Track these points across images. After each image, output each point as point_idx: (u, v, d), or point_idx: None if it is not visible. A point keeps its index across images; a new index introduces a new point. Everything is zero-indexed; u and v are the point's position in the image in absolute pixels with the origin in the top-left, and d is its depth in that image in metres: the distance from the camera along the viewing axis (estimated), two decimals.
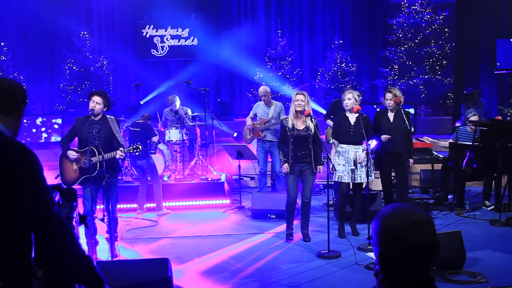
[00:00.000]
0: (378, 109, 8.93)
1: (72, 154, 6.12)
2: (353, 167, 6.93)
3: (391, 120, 7.31)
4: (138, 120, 9.03)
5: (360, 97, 7.26)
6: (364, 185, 7.36)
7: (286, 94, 14.42)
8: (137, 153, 6.41)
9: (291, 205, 6.92)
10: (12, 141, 2.34)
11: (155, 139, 8.77)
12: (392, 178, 7.56)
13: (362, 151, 6.94)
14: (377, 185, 8.83)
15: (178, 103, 9.91)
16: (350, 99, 7.06)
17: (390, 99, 7.21)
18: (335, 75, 15.49)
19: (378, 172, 7.70)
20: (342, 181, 7.00)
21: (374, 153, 7.41)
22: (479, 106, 10.91)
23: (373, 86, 16.69)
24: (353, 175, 6.95)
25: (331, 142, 7.37)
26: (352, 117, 7.07)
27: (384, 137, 7.22)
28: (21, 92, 2.49)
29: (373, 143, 7.38)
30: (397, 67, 15.64)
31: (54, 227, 2.32)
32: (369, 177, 6.95)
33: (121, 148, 6.10)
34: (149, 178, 8.81)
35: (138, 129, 8.73)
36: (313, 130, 6.78)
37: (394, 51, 15.66)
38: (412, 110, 10.02)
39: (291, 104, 6.90)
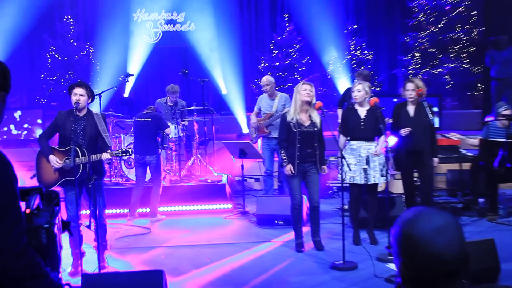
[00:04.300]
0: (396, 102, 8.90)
1: (55, 161, 6.08)
2: (366, 167, 6.94)
3: (411, 113, 7.29)
4: (145, 110, 9.03)
5: (371, 88, 7.25)
6: (383, 187, 7.35)
7: (294, 85, 14.39)
8: (125, 157, 6.41)
9: (297, 209, 6.93)
10: None
11: (168, 131, 8.81)
12: (415, 179, 7.55)
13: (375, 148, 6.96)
14: (397, 187, 8.81)
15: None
16: (360, 91, 7.06)
17: (412, 90, 7.19)
18: (349, 63, 15.46)
19: (399, 173, 7.68)
20: (354, 182, 7.00)
21: (394, 152, 7.39)
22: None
23: (392, 76, 16.63)
24: (366, 176, 6.96)
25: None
26: (362, 110, 7.08)
27: (403, 130, 7.19)
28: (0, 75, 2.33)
29: (392, 140, 7.37)
30: (418, 54, 15.58)
31: (16, 261, 2.17)
32: (384, 178, 6.96)
33: (109, 151, 6.10)
34: (147, 179, 8.83)
35: (149, 119, 8.73)
36: (319, 126, 6.80)
37: (415, 37, 15.60)
38: (435, 108, 9.98)
39: (294, 96, 6.89)
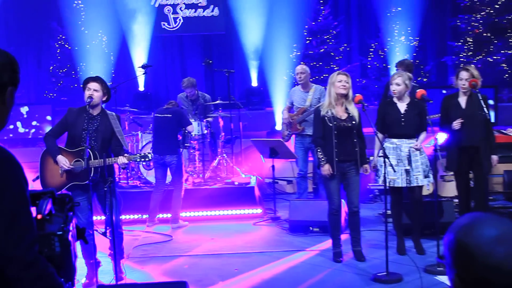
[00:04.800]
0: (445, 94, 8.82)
1: (64, 162, 6.13)
2: (408, 167, 6.91)
3: (463, 106, 7.23)
4: (166, 105, 9.09)
5: (414, 80, 7.19)
6: (431, 190, 7.29)
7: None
8: (143, 162, 6.43)
9: (336, 214, 6.92)
10: None
11: (190, 128, 8.87)
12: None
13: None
14: (447, 190, 8.74)
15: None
16: (399, 84, 7.02)
17: (466, 79, 7.11)
18: (392, 51, 15.32)
19: (450, 173, 7.62)
20: (395, 185, 6.98)
21: (445, 149, 7.33)
22: None
23: (441, 65, 16.45)
24: (408, 177, 6.93)
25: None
26: (401, 104, 7.05)
27: (456, 122, 7.14)
28: (7, 67, 2.37)
29: (441, 136, 7.31)
30: (471, 40, 15.40)
31: (28, 271, 2.23)
32: (428, 179, 6.93)
33: (126, 155, 6.13)
34: (168, 182, 8.92)
35: (170, 115, 8.79)
36: (357, 120, 6.77)
37: (468, 20, 15.42)
38: (490, 101, 9.85)
39: (328, 88, 6.87)
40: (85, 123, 6.14)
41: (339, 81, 6.72)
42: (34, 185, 6.49)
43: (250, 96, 15.40)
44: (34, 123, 13.61)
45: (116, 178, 7.81)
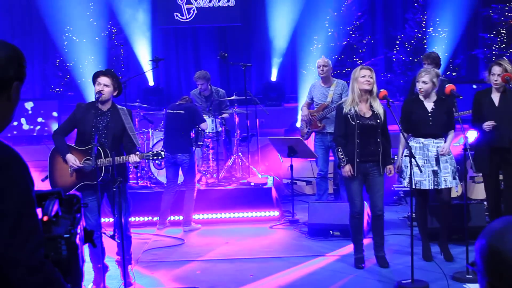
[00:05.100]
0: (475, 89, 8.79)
1: (73, 161, 6.15)
2: (436, 168, 6.88)
3: (496, 103, 7.18)
4: (179, 101, 9.12)
5: (441, 75, 7.15)
6: (459, 192, 7.26)
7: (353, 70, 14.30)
8: (157, 161, 6.40)
9: (358, 218, 6.91)
10: None
11: (204, 126, 8.89)
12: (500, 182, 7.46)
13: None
14: (477, 192, 8.69)
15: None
16: (426, 82, 6.98)
17: (499, 75, 7.05)
18: (419, 43, 15.26)
19: (480, 174, 7.58)
20: (422, 187, 6.95)
21: (474, 149, 7.29)
22: None
23: (472, 58, 16.35)
24: (435, 179, 6.90)
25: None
26: (428, 102, 7.02)
27: (487, 124, 7.05)
28: (13, 61, 2.37)
29: (471, 135, 7.27)
30: (504, 31, 15.29)
31: (33, 275, 2.23)
32: (456, 180, 6.92)
33: (137, 153, 6.14)
34: (180, 182, 8.95)
35: (182, 112, 8.81)
36: (382, 118, 6.76)
37: (501, 10, 15.30)
38: None
39: (351, 83, 6.84)
40: (94, 120, 6.16)
41: (363, 76, 6.68)
42: (43, 186, 6.54)
43: (268, 91, 15.39)
44: (39, 119, 13.65)
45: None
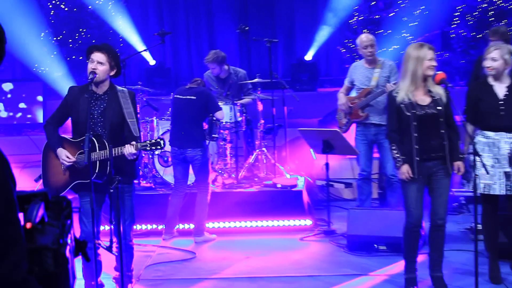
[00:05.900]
0: None
1: (64, 157, 6.13)
2: (509, 169, 6.77)
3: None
4: (189, 85, 9.04)
5: None
6: None
7: (400, 48, 14.08)
8: (156, 152, 6.34)
9: (414, 231, 6.79)
10: None
11: (219, 115, 8.82)
12: None
13: None
14: None
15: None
16: (496, 59, 6.84)
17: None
18: (483, 15, 15.08)
19: None
20: (490, 192, 6.83)
21: None
22: None
23: None
24: (508, 183, 6.78)
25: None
26: (500, 86, 6.91)
27: None
28: None
29: None
30: None
31: None
32: None
33: (133, 143, 6.05)
34: (190, 183, 8.96)
35: (193, 97, 8.71)
36: (446, 104, 6.64)
37: None
38: None
39: (408, 65, 6.60)
40: (88, 105, 6.10)
41: (429, 59, 6.50)
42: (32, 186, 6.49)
43: (298, 73, 15.45)
44: (21, 105, 13.70)
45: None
